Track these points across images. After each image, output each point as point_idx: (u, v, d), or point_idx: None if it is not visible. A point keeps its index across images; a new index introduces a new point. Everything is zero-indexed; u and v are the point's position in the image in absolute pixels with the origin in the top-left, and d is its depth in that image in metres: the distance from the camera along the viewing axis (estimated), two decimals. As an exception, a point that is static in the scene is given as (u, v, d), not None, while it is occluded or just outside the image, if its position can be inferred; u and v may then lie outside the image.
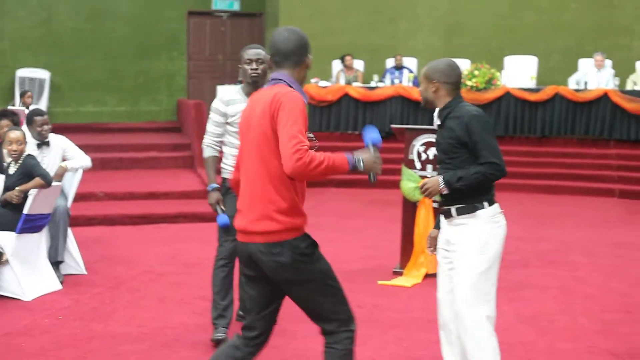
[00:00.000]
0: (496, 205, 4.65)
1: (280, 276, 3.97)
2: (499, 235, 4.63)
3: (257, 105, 3.99)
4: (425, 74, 4.66)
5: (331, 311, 4.05)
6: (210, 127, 6.05)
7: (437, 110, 4.69)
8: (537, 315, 6.78)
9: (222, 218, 5.78)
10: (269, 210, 3.91)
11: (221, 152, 6.12)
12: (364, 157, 3.97)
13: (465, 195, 4.57)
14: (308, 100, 4.10)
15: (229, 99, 5.99)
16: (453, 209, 4.63)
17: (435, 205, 7.86)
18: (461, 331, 4.62)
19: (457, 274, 4.60)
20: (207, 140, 6.06)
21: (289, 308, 6.62)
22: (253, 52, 5.90)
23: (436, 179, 4.57)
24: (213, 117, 6.04)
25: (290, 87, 3.99)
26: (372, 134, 4.11)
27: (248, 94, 5.91)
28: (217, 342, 5.85)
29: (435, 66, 4.66)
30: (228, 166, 5.99)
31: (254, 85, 5.88)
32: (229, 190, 5.89)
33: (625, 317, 6.78)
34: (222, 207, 5.90)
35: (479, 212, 4.57)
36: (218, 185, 5.98)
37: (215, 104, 6.05)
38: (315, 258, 3.99)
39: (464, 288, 4.55)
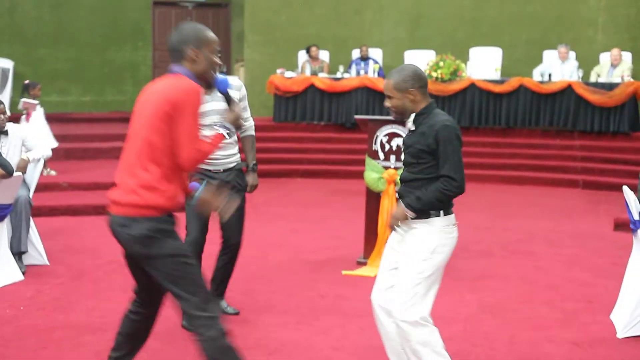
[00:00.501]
0: (452, 216, 4.66)
1: (132, 249, 4.14)
2: (448, 246, 4.63)
3: (152, 94, 4.16)
4: (397, 86, 4.56)
5: (185, 290, 4.09)
6: None
7: (413, 115, 4.65)
8: (498, 305, 6.82)
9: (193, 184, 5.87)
10: (134, 184, 4.05)
11: None
12: (231, 120, 4.42)
13: None
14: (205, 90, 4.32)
15: None
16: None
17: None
18: (402, 338, 4.61)
19: (400, 275, 4.60)
20: None
21: (252, 298, 6.65)
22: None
23: (401, 211, 4.58)
24: None
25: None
26: (223, 85, 4.46)
27: (202, 85, 5.94)
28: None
29: (404, 75, 4.59)
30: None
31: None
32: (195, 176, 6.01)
33: (586, 307, 6.83)
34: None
35: (432, 219, 4.58)
36: None
37: None
38: (167, 235, 4.09)
39: (402, 290, 4.55)
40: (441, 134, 4.47)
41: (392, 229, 4.70)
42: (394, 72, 4.64)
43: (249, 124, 6.37)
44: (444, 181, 4.47)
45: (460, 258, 8.25)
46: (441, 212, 4.58)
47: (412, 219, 4.58)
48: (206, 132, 5.95)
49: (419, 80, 4.60)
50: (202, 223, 6.05)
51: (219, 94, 5.79)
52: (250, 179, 6.30)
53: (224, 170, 6.08)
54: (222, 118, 6.03)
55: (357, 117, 8.51)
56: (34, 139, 8.02)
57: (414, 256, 4.56)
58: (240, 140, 6.32)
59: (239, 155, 6.20)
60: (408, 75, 4.59)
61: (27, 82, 13.64)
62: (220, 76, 4.35)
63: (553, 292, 7.27)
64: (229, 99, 4.35)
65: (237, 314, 6.36)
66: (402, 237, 4.69)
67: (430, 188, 4.50)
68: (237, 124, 4.44)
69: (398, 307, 4.54)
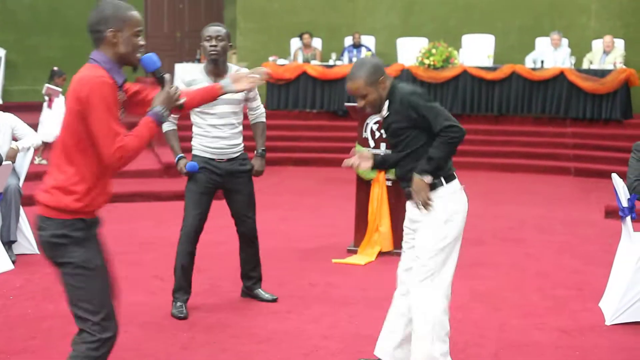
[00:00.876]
0: (455, 182, 4.67)
1: (43, 251, 3.91)
2: (460, 213, 4.66)
3: (71, 86, 3.83)
4: (369, 81, 4.55)
5: (87, 308, 3.82)
6: None
7: (385, 105, 4.67)
8: (489, 293, 6.84)
9: (192, 165, 6.07)
10: (51, 184, 3.83)
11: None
12: (162, 102, 3.93)
13: None
14: (122, 80, 3.91)
15: (191, 79, 6.05)
16: (412, 190, 4.62)
17: (389, 183, 7.90)
18: (412, 307, 4.64)
19: (417, 249, 4.63)
20: None
21: (240, 287, 6.63)
22: (213, 29, 5.99)
23: (418, 181, 4.52)
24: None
25: (100, 66, 3.82)
26: (150, 64, 3.97)
27: (209, 72, 6.04)
28: (182, 318, 6.08)
29: (368, 69, 4.57)
30: (197, 144, 6.17)
31: (213, 62, 6.00)
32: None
33: (576, 294, 6.85)
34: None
35: (439, 189, 4.59)
36: (183, 155, 6.20)
37: (177, 84, 6.03)
38: (78, 243, 3.83)
39: (421, 264, 4.59)
40: (413, 101, 4.51)
41: (425, 205, 4.55)
42: (355, 72, 4.59)
43: (260, 111, 6.38)
44: (443, 132, 4.45)
45: (451, 246, 8.28)
46: (442, 179, 4.59)
47: (405, 184, 4.66)
48: (215, 122, 6.01)
49: (380, 67, 4.63)
50: (199, 212, 6.13)
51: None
52: (257, 164, 6.33)
53: (228, 160, 6.12)
54: (234, 108, 6.10)
55: (348, 104, 8.51)
56: (24, 127, 8.00)
57: (427, 230, 4.59)
58: (250, 127, 6.38)
59: (242, 144, 6.23)
60: (371, 67, 4.59)
61: (55, 69, 13.59)
62: (147, 55, 3.97)
63: (543, 280, 7.28)
64: (160, 80, 3.98)
65: (274, 300, 6.42)
66: (411, 216, 4.73)
67: (434, 145, 4.49)
68: (169, 106, 3.96)
69: (417, 282, 4.59)
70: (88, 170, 3.81)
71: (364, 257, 7.83)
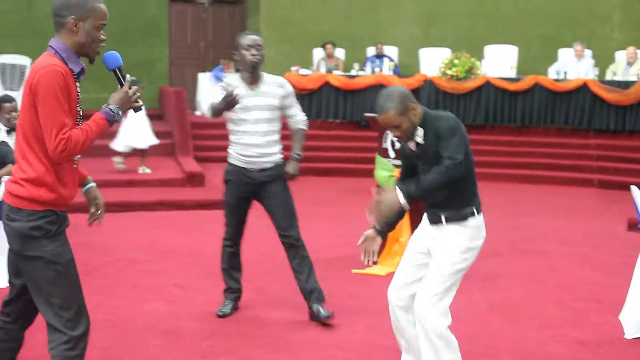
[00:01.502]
0: (482, 216, 4.70)
1: (12, 244, 3.83)
2: (479, 246, 4.69)
3: (27, 77, 3.79)
4: (399, 111, 4.42)
5: (59, 304, 3.79)
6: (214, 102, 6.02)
7: (419, 130, 4.54)
8: (506, 304, 6.83)
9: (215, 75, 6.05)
10: (20, 176, 3.77)
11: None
12: (117, 101, 3.87)
13: (454, 203, 4.60)
14: (80, 69, 3.86)
15: (229, 83, 6.15)
16: (442, 217, 4.64)
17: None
18: (421, 327, 4.60)
19: (433, 267, 4.61)
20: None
21: (261, 296, 6.67)
22: (252, 38, 6.07)
23: (393, 196, 4.48)
24: (219, 93, 6.00)
25: (59, 55, 3.79)
26: (112, 61, 3.95)
27: (245, 79, 6.11)
28: (221, 316, 6.29)
29: (396, 98, 4.45)
30: (232, 152, 6.19)
31: (253, 70, 6.05)
32: (230, 175, 6.20)
33: (596, 307, 6.83)
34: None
35: (470, 219, 4.62)
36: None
37: (222, 85, 6.16)
38: (50, 237, 3.79)
39: (434, 282, 4.57)
40: (442, 126, 4.45)
41: (373, 214, 4.57)
42: (383, 104, 4.47)
43: (298, 118, 6.33)
44: (445, 162, 4.38)
45: (471, 257, 8.28)
46: (474, 210, 4.62)
47: (435, 209, 4.65)
48: (247, 128, 6.03)
49: (408, 95, 4.53)
50: (234, 221, 6.28)
51: (262, 89, 6.03)
52: (290, 168, 6.27)
53: (261, 170, 6.11)
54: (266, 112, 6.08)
55: (368, 115, 8.53)
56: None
57: (449, 250, 4.59)
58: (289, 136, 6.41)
59: (278, 154, 6.21)
60: (398, 96, 4.47)
61: (133, 78, 13.58)
62: (110, 52, 3.96)
63: (562, 291, 7.27)
64: (119, 79, 3.95)
65: (328, 317, 6.17)
66: (434, 237, 4.70)
67: (433, 171, 4.41)
68: (125, 107, 3.90)
69: (427, 297, 4.55)
70: (49, 160, 3.76)
71: (384, 267, 7.84)
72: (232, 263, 6.41)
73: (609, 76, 15.89)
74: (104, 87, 19.63)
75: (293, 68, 16.77)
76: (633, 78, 15.29)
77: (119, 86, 3.96)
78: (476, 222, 4.65)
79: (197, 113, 17.83)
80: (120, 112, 3.86)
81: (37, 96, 3.66)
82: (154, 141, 13.07)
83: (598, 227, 10.38)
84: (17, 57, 18.49)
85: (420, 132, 4.53)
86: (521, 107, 15.64)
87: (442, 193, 4.54)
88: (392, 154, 7.96)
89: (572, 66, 16.01)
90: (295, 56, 18.07)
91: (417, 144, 4.59)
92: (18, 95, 13.42)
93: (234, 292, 6.45)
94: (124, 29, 19.72)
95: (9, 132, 7.82)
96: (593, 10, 18.11)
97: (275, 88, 6.10)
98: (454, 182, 4.44)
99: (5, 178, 7.04)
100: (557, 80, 15.64)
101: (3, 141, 7.39)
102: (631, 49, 15.82)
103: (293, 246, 6.22)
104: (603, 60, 16.66)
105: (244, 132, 6.06)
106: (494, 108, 15.78)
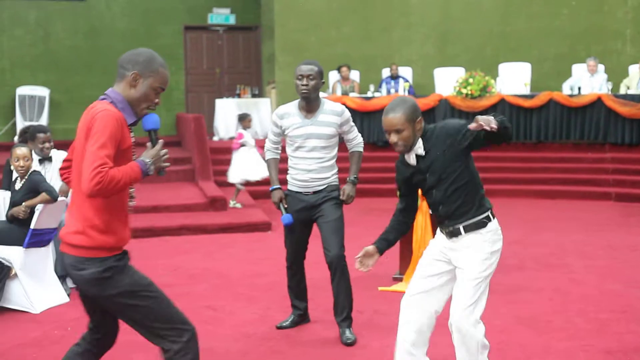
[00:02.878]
0: (496, 219, 4.78)
1: (88, 291, 3.95)
2: (499, 247, 4.77)
3: (81, 120, 3.91)
4: (409, 117, 4.54)
5: (157, 325, 3.99)
6: (269, 136, 6.53)
7: (419, 142, 4.63)
8: (533, 317, 6.93)
9: (287, 217, 6.26)
10: (83, 226, 3.86)
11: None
12: (149, 158, 3.93)
13: (469, 211, 4.67)
14: (133, 122, 3.98)
15: (284, 112, 6.34)
16: (461, 227, 4.69)
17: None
18: (459, 335, 4.67)
19: (461, 279, 4.68)
20: (267, 145, 6.55)
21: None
22: (305, 68, 6.18)
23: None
24: (271, 128, 6.46)
25: (115, 104, 3.90)
26: (150, 122, 4.07)
27: (302, 107, 6.28)
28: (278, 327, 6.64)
29: (409, 106, 4.57)
30: (289, 177, 6.40)
31: (305, 99, 6.21)
32: (287, 199, 6.38)
33: (620, 317, 6.93)
34: (285, 206, 6.33)
35: (488, 225, 4.70)
36: (280, 186, 6.39)
37: (272, 117, 6.46)
38: (121, 272, 3.92)
39: (466, 293, 4.63)
40: (450, 131, 4.55)
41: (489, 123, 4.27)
42: (396, 106, 4.57)
43: (356, 142, 6.49)
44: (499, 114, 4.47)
45: (495, 272, 8.37)
46: (490, 216, 4.71)
47: (450, 222, 4.69)
48: (303, 155, 6.23)
49: (418, 107, 4.65)
50: (292, 245, 6.48)
51: (320, 118, 6.19)
52: (347, 189, 6.39)
53: (314, 193, 6.29)
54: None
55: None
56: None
57: (475, 260, 4.65)
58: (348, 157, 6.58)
59: (332, 177, 6.35)
60: (413, 105, 4.60)
61: (240, 113, 13.74)
62: (153, 114, 4.10)
63: (586, 303, 7.37)
64: (152, 140, 4.04)
65: (349, 343, 6.23)
66: (454, 248, 4.75)
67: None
68: (156, 164, 3.97)
69: (461, 309, 4.61)
70: (117, 207, 3.92)
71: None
72: (294, 282, 6.62)
73: (622, 90, 15.99)
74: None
75: (309, 91, 16.90)
76: (646, 91, 15.41)
77: (151, 145, 4.02)
78: (493, 226, 4.73)
79: (215, 138, 18.03)
80: (152, 167, 3.92)
81: (90, 133, 3.75)
82: (264, 174, 12.48)
83: (617, 239, 10.48)
84: (36, 88, 18.76)
85: (420, 143, 4.62)
86: (536, 123, 15.75)
87: (455, 203, 4.64)
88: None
89: (585, 81, 16.13)
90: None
91: (418, 156, 4.66)
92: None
93: (296, 309, 6.68)
94: (140, 57, 19.96)
95: (41, 161, 8.02)
96: (605, 26, 18.26)
97: (332, 117, 6.24)
98: (463, 186, 4.60)
99: (39, 207, 7.25)
100: (571, 95, 15.76)
101: (35, 170, 7.57)
102: (643, 62, 15.96)
103: (332, 268, 6.27)
104: (616, 75, 16.78)
105: (300, 159, 6.26)
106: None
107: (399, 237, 5.05)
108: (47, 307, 7.30)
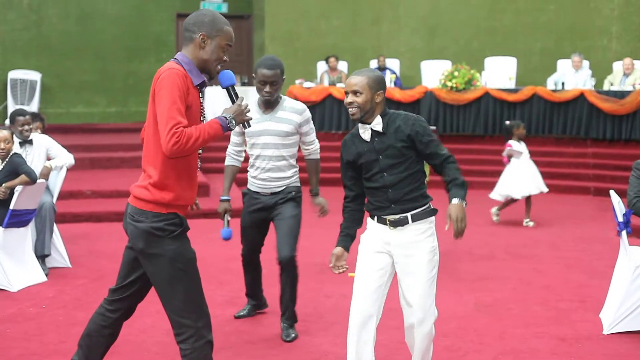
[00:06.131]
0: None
1: (135, 244, 4.08)
2: (437, 245, 4.78)
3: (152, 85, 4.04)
4: (371, 84, 4.56)
5: (181, 303, 4.08)
6: (232, 137, 6.34)
7: (378, 117, 4.64)
8: (494, 304, 7.17)
9: (226, 232, 6.26)
10: (146, 181, 4.04)
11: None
12: (232, 112, 4.07)
13: (417, 198, 4.67)
14: (201, 81, 4.07)
15: None
16: (409, 216, 4.65)
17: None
18: (419, 333, 4.72)
19: (416, 279, 4.66)
20: (229, 148, 6.40)
21: (310, 309, 6.95)
22: (269, 73, 5.92)
23: (460, 207, 4.43)
24: None
25: (182, 66, 4.01)
26: (227, 79, 4.20)
27: (260, 104, 6.13)
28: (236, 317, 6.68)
29: (376, 77, 4.63)
30: (248, 176, 6.28)
31: (266, 103, 6.08)
32: (245, 198, 6.33)
33: (579, 306, 7.15)
34: (228, 219, 6.30)
35: (432, 217, 4.72)
36: (229, 198, 6.33)
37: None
38: (173, 237, 4.05)
39: (423, 294, 4.65)
40: (422, 126, 4.61)
41: (461, 234, 4.44)
42: (363, 71, 4.64)
43: (314, 147, 6.34)
44: (450, 158, 4.60)
45: (464, 261, 8.64)
46: (432, 207, 4.73)
47: (397, 210, 4.65)
48: (258, 152, 6.08)
49: (384, 84, 4.69)
50: (248, 243, 6.47)
51: (278, 115, 6.02)
52: (317, 203, 6.46)
53: (271, 194, 6.18)
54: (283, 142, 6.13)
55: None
56: (57, 148, 8.46)
57: (424, 255, 4.65)
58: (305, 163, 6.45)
59: (292, 178, 6.23)
60: (379, 77, 4.65)
61: (508, 122, 12.27)
62: (227, 71, 4.20)
63: (548, 293, 7.59)
64: (232, 95, 4.18)
65: (289, 340, 6.17)
66: (396, 242, 4.70)
67: (451, 171, 4.56)
68: (238, 118, 4.09)
69: (421, 311, 4.65)
70: (177, 166, 4.03)
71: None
72: (249, 276, 6.63)
73: (606, 86, 16.17)
74: (110, 102, 20.15)
75: (297, 81, 17.12)
76: (629, 88, 15.57)
77: (231, 102, 4.18)
78: (433, 220, 4.75)
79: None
80: (234, 122, 4.06)
81: (158, 92, 3.90)
82: (534, 191, 11.44)
83: (590, 232, 10.70)
84: (28, 72, 18.88)
85: (378, 120, 4.62)
86: (520, 117, 15.86)
87: (407, 187, 4.63)
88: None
89: (570, 77, 16.31)
90: (299, 69, 18.41)
91: (375, 132, 4.64)
92: (29, 110, 13.79)
93: (251, 300, 6.75)
94: (132, 44, 20.16)
95: (22, 144, 8.21)
96: (592, 23, 18.46)
97: (292, 114, 6.07)
98: (413, 173, 4.65)
99: (19, 188, 7.45)
100: (554, 90, 15.94)
101: (16, 153, 7.76)
102: (627, 60, 16.11)
103: (281, 268, 6.15)
104: (601, 71, 16.98)
105: (256, 157, 6.11)
106: (493, 118, 16.11)
107: (360, 227, 4.98)
108: (25, 285, 7.50)
